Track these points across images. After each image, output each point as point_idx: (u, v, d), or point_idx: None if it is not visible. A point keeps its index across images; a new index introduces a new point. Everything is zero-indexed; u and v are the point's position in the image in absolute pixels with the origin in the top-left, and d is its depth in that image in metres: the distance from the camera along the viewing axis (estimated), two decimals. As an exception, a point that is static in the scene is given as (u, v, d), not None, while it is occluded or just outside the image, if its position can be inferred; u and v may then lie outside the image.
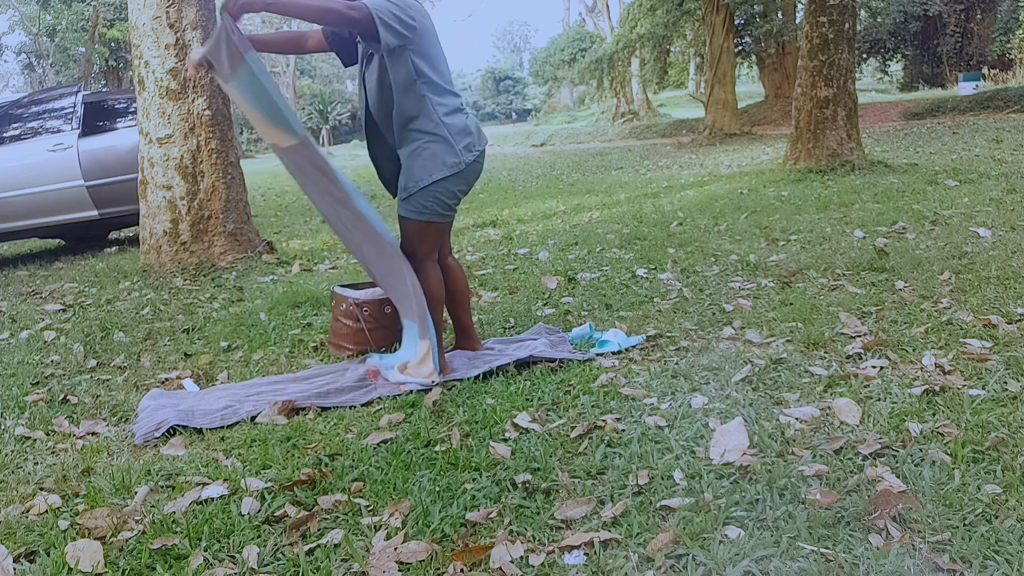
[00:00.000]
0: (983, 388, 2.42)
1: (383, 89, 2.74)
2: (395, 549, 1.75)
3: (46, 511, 2.05)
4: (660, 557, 1.66)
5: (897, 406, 2.34)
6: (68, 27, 28.47)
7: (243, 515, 1.96)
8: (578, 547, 1.72)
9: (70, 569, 1.75)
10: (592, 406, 2.54)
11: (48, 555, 1.83)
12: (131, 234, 8.23)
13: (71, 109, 7.21)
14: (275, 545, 1.82)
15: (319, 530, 1.88)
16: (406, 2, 2.63)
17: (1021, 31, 23.29)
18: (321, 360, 3.34)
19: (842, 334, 3.08)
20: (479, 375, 2.91)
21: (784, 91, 22.53)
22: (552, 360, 3.01)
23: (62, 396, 3.02)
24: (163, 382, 3.19)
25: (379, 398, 2.79)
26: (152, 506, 2.05)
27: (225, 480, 2.16)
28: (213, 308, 4.45)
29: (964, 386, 2.45)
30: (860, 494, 1.85)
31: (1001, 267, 3.86)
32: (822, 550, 1.64)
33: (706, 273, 4.36)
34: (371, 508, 1.98)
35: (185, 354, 3.57)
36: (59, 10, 28.15)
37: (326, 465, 2.23)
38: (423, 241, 2.89)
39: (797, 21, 21.05)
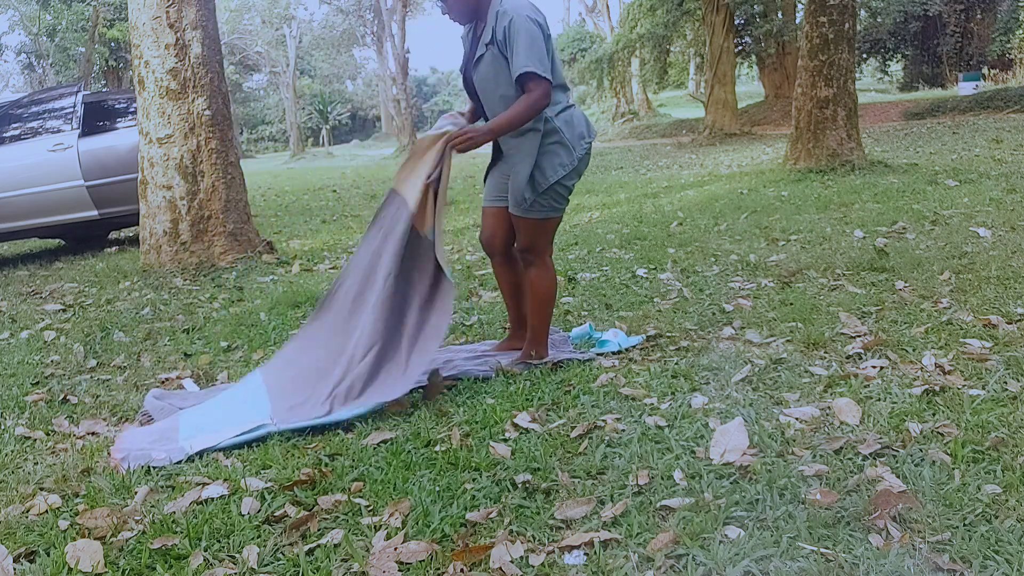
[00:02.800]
0: (983, 388, 2.42)
1: (501, 91, 2.76)
2: (395, 549, 1.75)
3: (46, 511, 2.05)
4: (660, 557, 1.66)
5: (897, 406, 2.34)
6: (68, 27, 28.46)
7: (243, 515, 1.96)
8: (578, 547, 1.72)
9: (70, 569, 1.75)
10: (592, 406, 2.54)
11: (48, 555, 1.83)
12: (131, 234, 8.23)
13: (71, 109, 7.21)
14: (275, 545, 1.82)
15: (319, 530, 1.89)
16: (538, 22, 2.67)
17: (1021, 31, 23.28)
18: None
19: (842, 334, 3.08)
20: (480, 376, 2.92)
21: (784, 91, 22.53)
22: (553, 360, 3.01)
23: (62, 396, 3.02)
24: (163, 382, 3.19)
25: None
26: (152, 506, 2.05)
27: (225, 480, 2.16)
28: (213, 308, 4.45)
29: (964, 386, 2.45)
30: (860, 494, 1.85)
31: (1001, 267, 3.86)
32: (822, 550, 1.64)
33: (706, 273, 4.36)
34: (371, 508, 1.98)
35: (185, 354, 3.57)
36: (59, 10, 28.14)
37: (326, 465, 2.23)
38: (542, 236, 2.95)
39: (797, 21, 21.04)
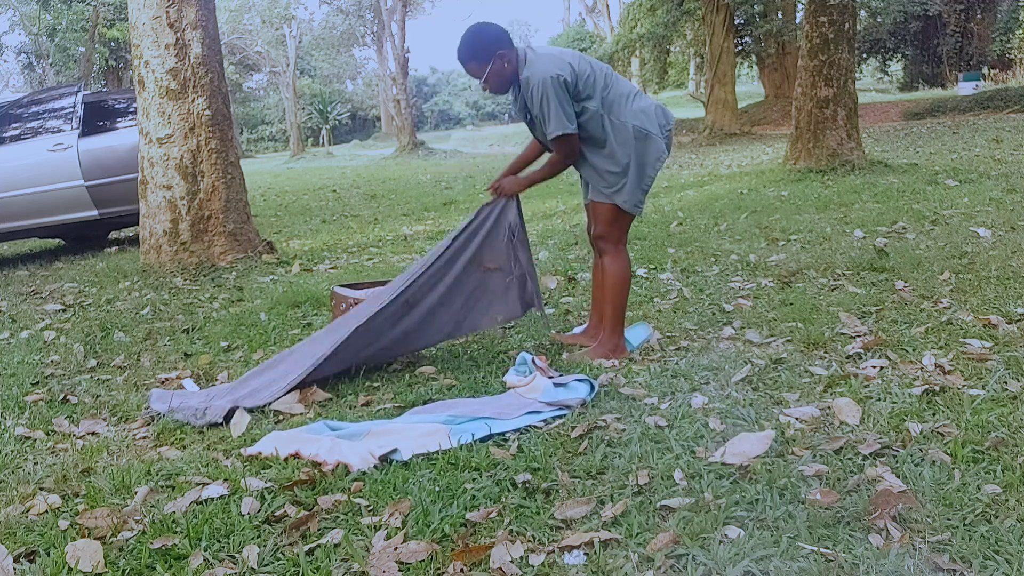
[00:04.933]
0: (983, 388, 2.42)
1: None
2: (395, 549, 1.75)
3: (46, 511, 2.04)
4: (660, 557, 1.66)
5: (897, 406, 2.34)
6: (68, 27, 28.44)
7: (243, 515, 1.96)
8: (578, 547, 1.72)
9: (70, 569, 1.75)
10: (592, 406, 2.54)
11: (48, 555, 1.83)
12: (131, 234, 8.23)
13: (71, 109, 7.20)
14: (275, 545, 1.82)
15: (319, 530, 1.88)
16: (556, 76, 2.80)
17: (1021, 31, 23.29)
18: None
19: (842, 334, 3.08)
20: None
21: (784, 91, 22.52)
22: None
23: (62, 396, 3.02)
24: (163, 382, 3.19)
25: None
26: (152, 506, 2.05)
27: (225, 480, 2.16)
28: (213, 308, 4.45)
29: (964, 386, 2.45)
30: (860, 494, 1.85)
31: (1001, 267, 3.86)
32: (822, 550, 1.64)
33: (706, 273, 4.36)
34: (371, 508, 1.98)
35: (185, 354, 3.57)
36: (59, 10, 28.12)
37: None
38: (617, 224, 3.08)
39: (797, 21, 21.03)
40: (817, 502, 1.82)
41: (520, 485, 2.02)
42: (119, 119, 7.36)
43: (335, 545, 1.80)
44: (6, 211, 6.84)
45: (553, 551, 1.72)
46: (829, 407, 2.38)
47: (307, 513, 1.95)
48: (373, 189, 13.00)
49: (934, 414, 2.28)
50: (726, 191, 8.21)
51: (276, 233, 7.67)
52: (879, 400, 2.41)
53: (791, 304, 3.56)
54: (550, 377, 2.74)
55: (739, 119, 19.62)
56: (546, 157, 3.13)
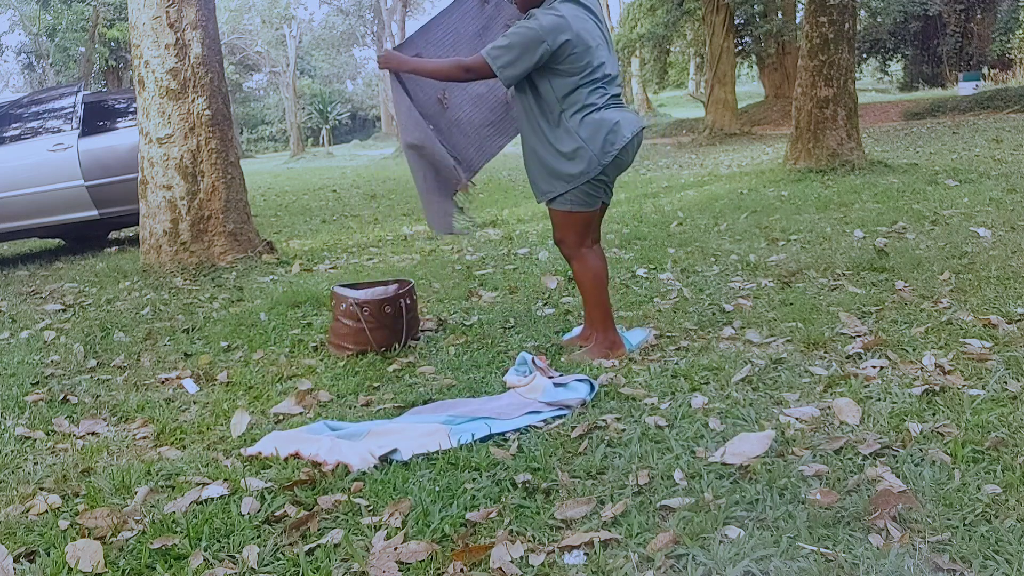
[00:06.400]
0: (983, 388, 2.42)
1: (521, 102, 2.93)
2: (395, 549, 1.75)
3: (46, 511, 2.05)
4: (660, 557, 1.66)
5: (897, 406, 2.34)
6: (68, 27, 28.45)
7: (243, 515, 1.96)
8: (578, 547, 1.72)
9: (70, 569, 1.75)
10: (592, 406, 2.54)
11: (48, 555, 1.83)
12: (131, 234, 8.23)
13: (71, 109, 7.21)
14: (275, 545, 1.82)
15: (319, 530, 1.89)
16: (537, 27, 2.73)
17: (1021, 31, 23.28)
18: (321, 360, 3.33)
19: (842, 334, 3.08)
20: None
21: (784, 91, 22.52)
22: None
23: (62, 396, 3.02)
24: (163, 382, 3.19)
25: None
26: (152, 506, 2.05)
27: (225, 480, 2.16)
28: (213, 308, 4.45)
29: (964, 386, 2.45)
30: (860, 494, 1.85)
31: (1001, 267, 3.86)
32: (822, 550, 1.64)
33: (706, 273, 4.36)
34: (371, 508, 1.98)
35: (185, 354, 3.57)
36: (59, 10, 28.14)
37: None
38: (571, 230, 3.00)
39: (797, 21, 21.04)
40: (817, 502, 1.82)
41: (520, 485, 2.02)
42: (119, 119, 7.36)
43: (335, 545, 1.80)
44: (6, 211, 6.85)
45: (553, 551, 1.72)
46: (829, 407, 2.38)
47: (307, 513, 1.95)
48: (373, 189, 13.00)
49: (934, 414, 2.28)
50: (726, 191, 8.21)
51: (276, 233, 7.67)
52: (879, 400, 2.41)
53: (791, 304, 3.56)
54: (550, 377, 2.74)
55: (739, 119, 19.62)
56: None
